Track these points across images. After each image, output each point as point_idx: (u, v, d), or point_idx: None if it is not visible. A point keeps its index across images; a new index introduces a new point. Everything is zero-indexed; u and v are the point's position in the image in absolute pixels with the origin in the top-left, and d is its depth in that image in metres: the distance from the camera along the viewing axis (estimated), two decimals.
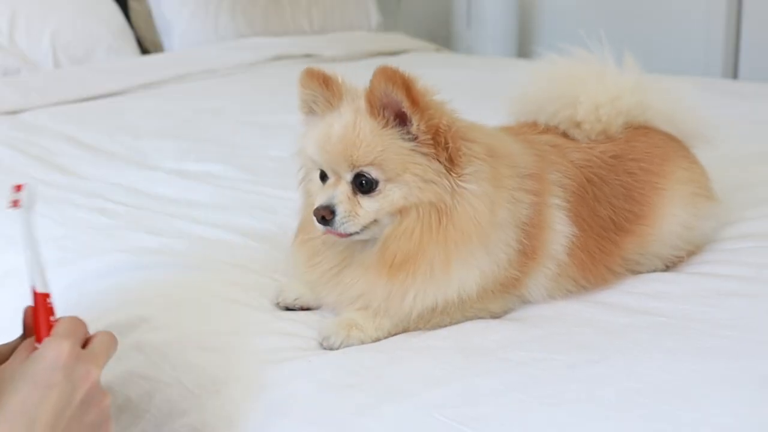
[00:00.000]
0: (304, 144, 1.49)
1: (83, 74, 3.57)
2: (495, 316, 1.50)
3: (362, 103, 1.40)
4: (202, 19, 4.15)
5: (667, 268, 1.69)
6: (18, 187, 1.13)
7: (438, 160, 1.37)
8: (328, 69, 1.50)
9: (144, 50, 4.13)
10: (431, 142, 1.36)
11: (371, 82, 1.36)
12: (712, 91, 3.30)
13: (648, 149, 1.69)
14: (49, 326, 1.10)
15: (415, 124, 1.36)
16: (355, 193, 1.40)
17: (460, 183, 1.38)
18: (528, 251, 1.46)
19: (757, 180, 2.18)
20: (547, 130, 1.68)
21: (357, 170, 1.39)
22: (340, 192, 1.40)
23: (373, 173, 1.38)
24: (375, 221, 1.40)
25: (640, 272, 1.66)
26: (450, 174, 1.37)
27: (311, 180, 1.50)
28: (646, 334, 1.38)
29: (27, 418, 0.97)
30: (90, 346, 1.08)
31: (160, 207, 2.10)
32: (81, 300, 1.67)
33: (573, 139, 1.66)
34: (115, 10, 3.97)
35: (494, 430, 1.16)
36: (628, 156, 1.66)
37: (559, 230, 1.51)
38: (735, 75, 4.79)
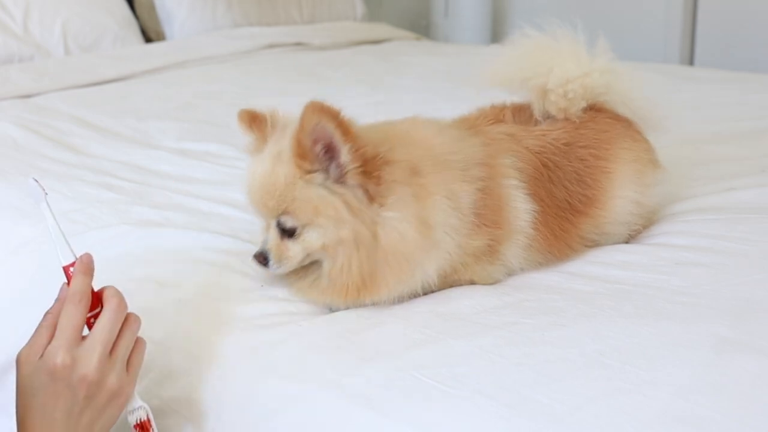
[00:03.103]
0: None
1: (92, 61, 3.54)
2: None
3: (285, 145, 1.35)
4: (200, 10, 4.13)
5: (629, 238, 1.68)
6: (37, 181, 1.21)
7: (365, 190, 1.32)
8: (263, 107, 1.47)
9: (147, 39, 4.11)
10: (361, 171, 1.31)
11: (302, 117, 1.28)
12: (671, 76, 3.32)
13: (596, 135, 1.63)
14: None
15: (345, 155, 1.29)
16: (282, 237, 1.37)
17: (381, 213, 1.33)
18: (489, 223, 1.42)
19: (709, 158, 2.17)
20: (501, 120, 1.62)
21: (277, 218, 1.36)
22: (270, 237, 1.39)
23: (289, 222, 1.35)
24: (307, 255, 1.38)
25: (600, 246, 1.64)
26: (371, 204, 1.32)
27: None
28: (609, 301, 1.37)
29: (47, 423, 1.12)
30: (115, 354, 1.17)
31: (162, 183, 2.09)
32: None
33: (526, 129, 1.60)
34: (121, 2, 3.94)
35: (469, 388, 1.15)
36: (578, 143, 1.60)
37: (521, 207, 1.48)
38: (691, 62, 4.81)
